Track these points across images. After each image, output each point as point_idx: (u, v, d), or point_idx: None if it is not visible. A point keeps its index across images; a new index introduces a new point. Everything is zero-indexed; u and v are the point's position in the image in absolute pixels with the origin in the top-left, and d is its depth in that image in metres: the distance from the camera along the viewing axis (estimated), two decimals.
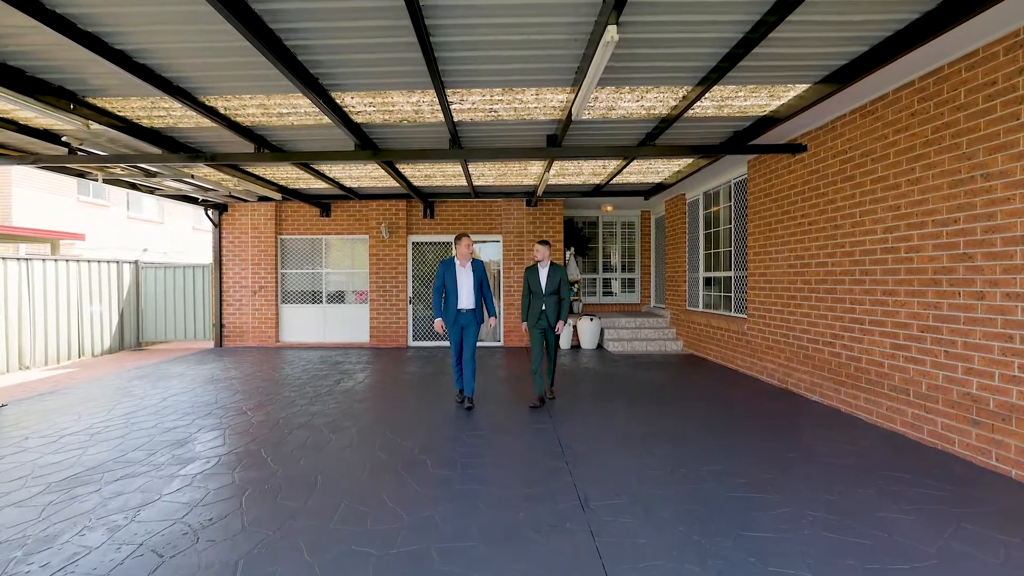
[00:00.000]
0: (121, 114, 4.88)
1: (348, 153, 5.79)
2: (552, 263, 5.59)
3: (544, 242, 5.61)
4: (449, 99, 4.68)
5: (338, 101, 4.66)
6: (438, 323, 5.39)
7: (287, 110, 4.87)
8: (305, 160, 5.83)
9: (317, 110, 4.89)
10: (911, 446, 4.23)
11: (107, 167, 6.44)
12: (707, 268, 9.07)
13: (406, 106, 4.85)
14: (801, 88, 4.68)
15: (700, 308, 9.25)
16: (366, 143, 5.75)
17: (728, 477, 3.62)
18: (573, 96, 4.59)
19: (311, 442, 4.42)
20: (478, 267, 5.49)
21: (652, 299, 12.05)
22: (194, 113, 4.75)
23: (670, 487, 3.47)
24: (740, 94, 4.78)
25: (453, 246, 5.02)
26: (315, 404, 5.72)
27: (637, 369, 7.79)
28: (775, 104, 5.07)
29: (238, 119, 5.09)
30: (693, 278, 9.55)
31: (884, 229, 4.78)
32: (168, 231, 19.43)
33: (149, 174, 6.82)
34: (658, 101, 4.90)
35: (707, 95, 4.75)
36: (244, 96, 4.52)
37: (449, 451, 4.19)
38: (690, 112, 5.21)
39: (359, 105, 4.80)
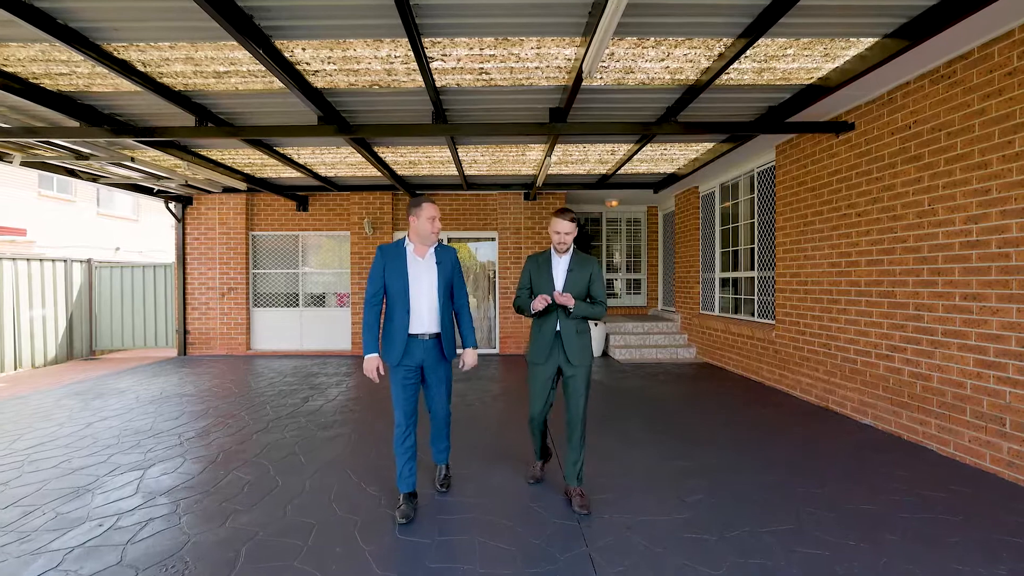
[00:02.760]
0: (8, 70, 3.88)
1: (310, 128, 4.82)
2: (576, 251, 3.31)
3: (566, 212, 3.19)
4: (428, 53, 3.72)
5: (286, 54, 3.69)
6: (371, 362, 2.97)
7: (224, 67, 3.89)
8: (257, 136, 4.85)
9: (263, 69, 3.92)
10: (1015, 492, 3.31)
11: (23, 145, 5.43)
12: (724, 268, 8.15)
13: (374, 63, 3.88)
14: (865, 44, 3.76)
15: (716, 312, 8.33)
16: (330, 115, 4.77)
17: (799, 545, 2.68)
18: (584, 50, 3.65)
19: (251, 489, 3.45)
20: (447, 257, 3.16)
21: (660, 302, 11.12)
22: (105, 70, 3.75)
23: (724, 563, 2.52)
24: (789, 52, 3.85)
25: (412, 218, 3.04)
26: (271, 431, 4.75)
27: (650, 382, 6.85)
28: (827, 68, 4.15)
29: (165, 80, 4.10)
30: (707, 279, 8.63)
31: (966, 219, 3.87)
32: (143, 229, 18.31)
33: (81, 156, 5.82)
34: (687, 61, 3.96)
35: (749, 52, 3.82)
36: (162, 45, 3.53)
37: (425, 502, 3.23)
38: (723, 78, 4.29)
39: (315, 61, 3.83)
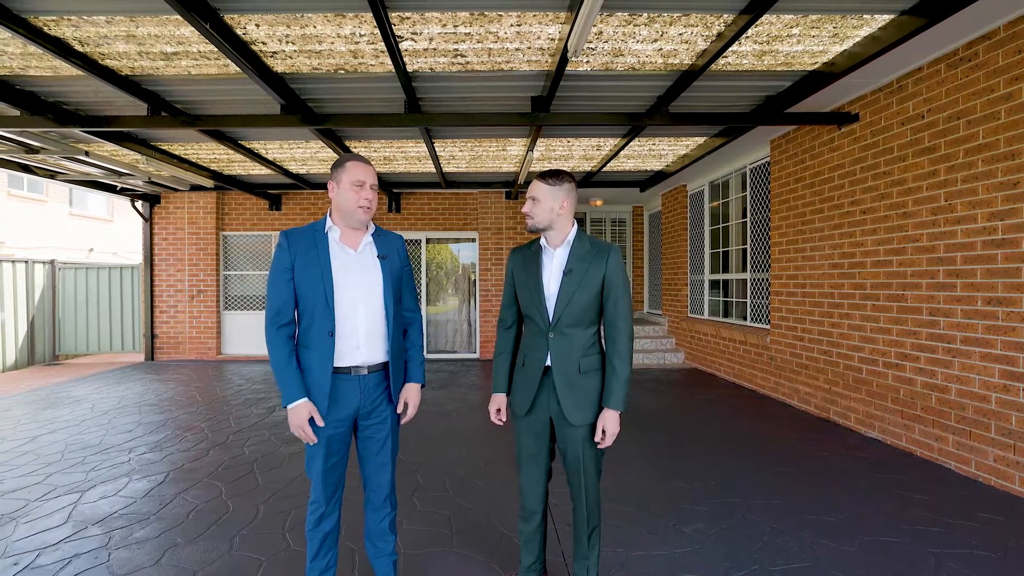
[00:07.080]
0: None
1: (272, 119, 4.41)
2: (583, 236, 2.04)
3: (552, 176, 1.97)
4: (396, 31, 3.34)
5: (238, 31, 3.29)
6: (299, 413, 1.83)
7: (172, 47, 3.48)
8: (216, 127, 4.44)
9: (215, 50, 3.52)
10: None
11: None
12: (714, 270, 7.84)
13: (338, 43, 3.50)
14: (880, 21, 3.43)
15: (706, 315, 8.01)
16: (294, 104, 4.36)
17: None
18: (569, 27, 3.29)
19: (197, 516, 3.05)
20: (393, 246, 2.10)
21: (646, 304, 10.82)
22: (38, 49, 3.30)
23: None
24: (794, 31, 3.53)
25: (332, 184, 1.96)
26: (231, 446, 4.34)
27: (638, 389, 6.51)
28: (835, 51, 3.83)
29: (109, 63, 3.68)
30: (696, 281, 8.32)
31: (989, 215, 3.56)
32: (118, 229, 17.68)
33: (32, 150, 5.36)
34: (683, 42, 3.62)
35: (751, 31, 3.49)
36: (97, 19, 3.11)
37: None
38: (720, 62, 3.96)
39: (271, 40, 3.44)
